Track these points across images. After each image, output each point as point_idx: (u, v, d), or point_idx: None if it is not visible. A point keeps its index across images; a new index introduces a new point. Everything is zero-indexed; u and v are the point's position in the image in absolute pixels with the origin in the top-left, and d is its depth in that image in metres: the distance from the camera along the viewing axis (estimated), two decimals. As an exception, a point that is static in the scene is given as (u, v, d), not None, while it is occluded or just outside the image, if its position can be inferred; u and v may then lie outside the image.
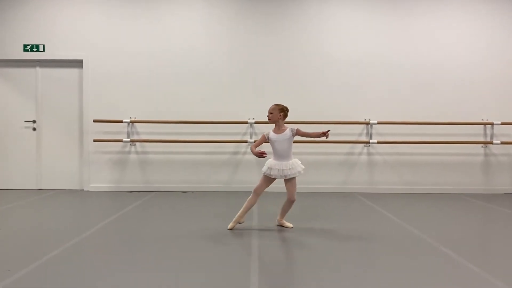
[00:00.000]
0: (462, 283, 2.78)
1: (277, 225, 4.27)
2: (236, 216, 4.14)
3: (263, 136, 4.14)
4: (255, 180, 6.54)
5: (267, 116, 4.09)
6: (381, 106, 6.52)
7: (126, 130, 6.45)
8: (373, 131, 6.47)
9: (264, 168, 4.08)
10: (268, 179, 4.09)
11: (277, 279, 2.85)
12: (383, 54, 6.54)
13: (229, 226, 4.13)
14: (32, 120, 6.63)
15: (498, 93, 6.54)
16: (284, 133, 4.03)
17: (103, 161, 6.54)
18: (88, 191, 6.50)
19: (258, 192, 4.12)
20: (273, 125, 4.14)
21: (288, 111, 4.12)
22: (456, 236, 3.98)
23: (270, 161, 4.08)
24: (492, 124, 6.45)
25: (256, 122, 6.38)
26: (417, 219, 4.64)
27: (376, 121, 6.40)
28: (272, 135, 4.08)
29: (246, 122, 6.38)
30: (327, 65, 6.54)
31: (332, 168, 6.57)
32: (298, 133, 4.04)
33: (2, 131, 6.64)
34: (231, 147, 6.52)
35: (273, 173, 4.01)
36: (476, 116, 6.52)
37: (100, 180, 6.54)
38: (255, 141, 6.31)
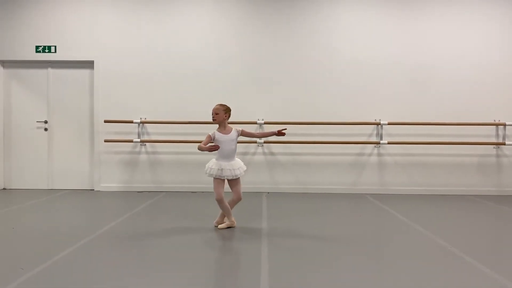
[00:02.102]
0: (474, 285, 2.75)
1: (216, 227, 4.20)
2: (228, 221, 4.22)
3: (209, 136, 4.07)
4: (264, 180, 6.59)
5: (212, 117, 4.06)
6: (391, 106, 6.48)
7: (137, 130, 6.49)
8: (383, 132, 6.43)
9: (213, 171, 4.03)
10: (219, 181, 4.07)
11: (287, 281, 2.84)
12: (393, 55, 6.50)
13: (220, 226, 4.19)
14: (43, 120, 6.70)
15: (510, 93, 6.46)
16: (230, 133, 4.07)
17: (113, 161, 6.58)
18: (99, 191, 6.55)
19: (219, 198, 4.06)
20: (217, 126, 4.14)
21: (231, 111, 4.14)
22: (467, 237, 3.94)
23: (216, 162, 4.07)
24: (504, 125, 6.38)
25: (265, 123, 6.39)
26: (428, 221, 4.60)
27: (386, 122, 6.36)
28: (219, 135, 4.06)
29: (255, 123, 6.39)
30: (336, 66, 6.52)
31: (342, 169, 6.54)
32: (243, 133, 4.10)
33: (14, 131, 6.72)
34: (240, 147, 6.50)
35: (225, 174, 4.02)
36: (488, 116, 6.46)
37: (111, 180, 6.59)
38: (264, 142, 6.38)
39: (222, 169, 4.03)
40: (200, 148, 3.89)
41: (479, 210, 5.35)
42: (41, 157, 6.71)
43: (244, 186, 6.39)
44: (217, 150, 3.94)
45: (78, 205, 5.56)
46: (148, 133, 6.57)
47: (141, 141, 6.47)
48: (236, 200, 4.19)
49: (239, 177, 4.13)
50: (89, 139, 6.69)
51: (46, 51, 6.56)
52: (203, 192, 6.44)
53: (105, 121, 6.42)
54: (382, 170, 6.54)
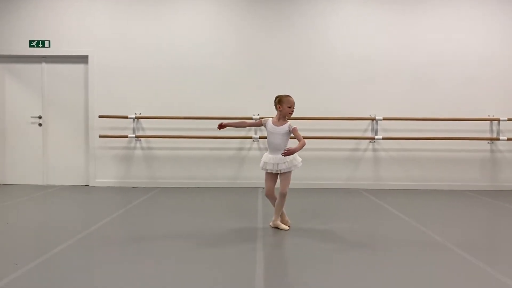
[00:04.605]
0: (469, 280, 2.77)
1: (271, 226, 4.04)
2: (277, 221, 4.02)
3: (260, 121, 4.02)
4: (260, 176, 6.55)
5: (292, 111, 3.87)
6: (386, 102, 6.49)
7: (132, 125, 6.46)
8: (379, 127, 6.44)
9: (260, 164, 3.98)
10: (269, 174, 3.97)
11: (283, 279, 2.85)
12: (389, 50, 6.50)
13: (272, 224, 4.05)
14: (38, 115, 6.65)
15: (504, 89, 6.49)
16: (282, 126, 3.88)
17: (108, 157, 6.56)
18: (94, 186, 6.53)
19: (266, 193, 4.03)
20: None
21: (283, 103, 3.93)
22: (462, 233, 3.96)
23: (265, 154, 3.98)
24: (498, 120, 6.40)
25: (261, 118, 6.36)
26: (423, 216, 4.62)
27: (381, 117, 6.37)
28: (270, 125, 3.93)
29: (251, 118, 6.38)
30: (332, 61, 6.51)
31: (337, 164, 6.55)
32: (293, 132, 3.86)
33: (8, 126, 6.67)
34: (236, 143, 6.53)
35: (268, 168, 3.89)
36: (483, 112, 6.48)
37: (106, 176, 6.57)
38: (259, 137, 6.38)
39: (266, 162, 3.91)
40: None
41: (473, 205, 5.39)
42: (36, 153, 6.67)
43: (239, 182, 6.50)
44: (219, 128, 3.96)
45: (73, 200, 5.54)
46: (143, 129, 6.54)
47: (136, 137, 6.44)
48: (279, 194, 3.90)
49: (287, 172, 3.87)
50: (84, 135, 6.66)
51: (40, 45, 6.51)
52: (198, 187, 6.44)
53: (100, 116, 6.39)
54: (377, 165, 6.56)
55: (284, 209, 4.04)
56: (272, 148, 3.90)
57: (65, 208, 5.10)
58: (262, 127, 4.10)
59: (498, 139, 6.38)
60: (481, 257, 3.16)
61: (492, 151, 6.56)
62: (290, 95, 3.91)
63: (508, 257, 3.25)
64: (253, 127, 6.34)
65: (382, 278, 2.75)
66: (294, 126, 3.86)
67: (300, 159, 3.93)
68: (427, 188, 6.48)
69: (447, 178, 6.53)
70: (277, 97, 3.95)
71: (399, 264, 3.04)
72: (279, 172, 3.89)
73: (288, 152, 3.70)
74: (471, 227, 4.26)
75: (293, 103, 3.88)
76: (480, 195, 5.99)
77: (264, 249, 3.36)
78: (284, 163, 3.83)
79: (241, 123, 4.16)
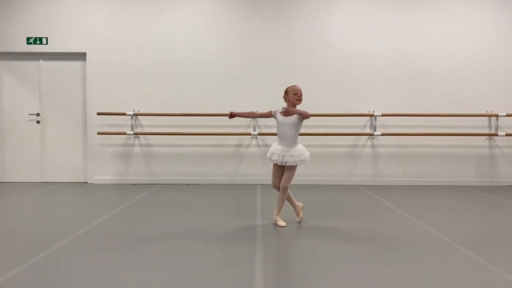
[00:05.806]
0: (468, 275, 2.77)
1: (273, 223, 4.03)
2: (277, 216, 4.01)
3: (270, 112, 4.00)
4: (259, 172, 6.59)
5: (300, 98, 3.89)
6: (385, 98, 6.49)
7: (130, 122, 6.45)
8: (377, 123, 6.44)
9: (268, 154, 3.97)
10: (276, 167, 3.95)
11: (282, 278, 2.85)
12: (388, 46, 6.49)
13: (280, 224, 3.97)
14: (36, 113, 6.64)
15: (503, 84, 6.49)
16: (291, 116, 3.81)
17: (107, 154, 6.55)
18: (93, 183, 6.52)
19: (275, 187, 4.01)
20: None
21: (289, 92, 3.96)
22: (461, 228, 3.98)
23: (274, 145, 3.97)
24: (497, 116, 6.41)
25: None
26: (422, 212, 4.63)
27: (380, 113, 6.37)
28: (279, 116, 3.90)
29: (249, 115, 6.37)
30: (332, 58, 6.50)
31: (336, 161, 6.55)
32: (301, 114, 3.81)
33: (6, 124, 6.65)
34: (235, 139, 6.52)
35: (274, 158, 3.87)
36: (481, 107, 6.48)
37: (104, 173, 6.56)
38: (258, 134, 6.38)
39: (272, 153, 3.90)
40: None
41: (472, 201, 5.40)
42: (34, 150, 6.65)
43: (238, 178, 6.49)
44: (230, 118, 4.02)
45: (72, 198, 5.53)
46: (141, 126, 6.53)
47: (134, 134, 6.43)
48: (280, 187, 3.88)
49: (292, 166, 3.84)
50: (82, 132, 6.65)
51: (38, 42, 6.48)
52: (197, 184, 6.44)
53: (98, 114, 6.37)
54: (376, 162, 6.56)
55: (292, 196, 4.07)
56: (282, 139, 3.87)
57: (63, 206, 5.09)
58: (265, 122, 4.10)
59: (496, 135, 6.39)
60: (480, 252, 3.17)
61: (490, 146, 6.56)
62: (296, 84, 3.99)
63: (507, 251, 3.26)
64: (258, 120, 6.35)
65: (383, 276, 2.75)
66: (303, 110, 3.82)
67: (308, 154, 3.92)
68: (425, 184, 6.48)
69: (446, 174, 6.54)
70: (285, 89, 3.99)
71: (399, 261, 3.04)
72: (284, 164, 3.88)
73: (287, 112, 3.72)
74: (470, 222, 4.27)
75: (299, 90, 3.91)
76: (479, 191, 6.00)
77: (263, 246, 3.35)
78: (290, 156, 3.82)
79: (251, 113, 4.28)
